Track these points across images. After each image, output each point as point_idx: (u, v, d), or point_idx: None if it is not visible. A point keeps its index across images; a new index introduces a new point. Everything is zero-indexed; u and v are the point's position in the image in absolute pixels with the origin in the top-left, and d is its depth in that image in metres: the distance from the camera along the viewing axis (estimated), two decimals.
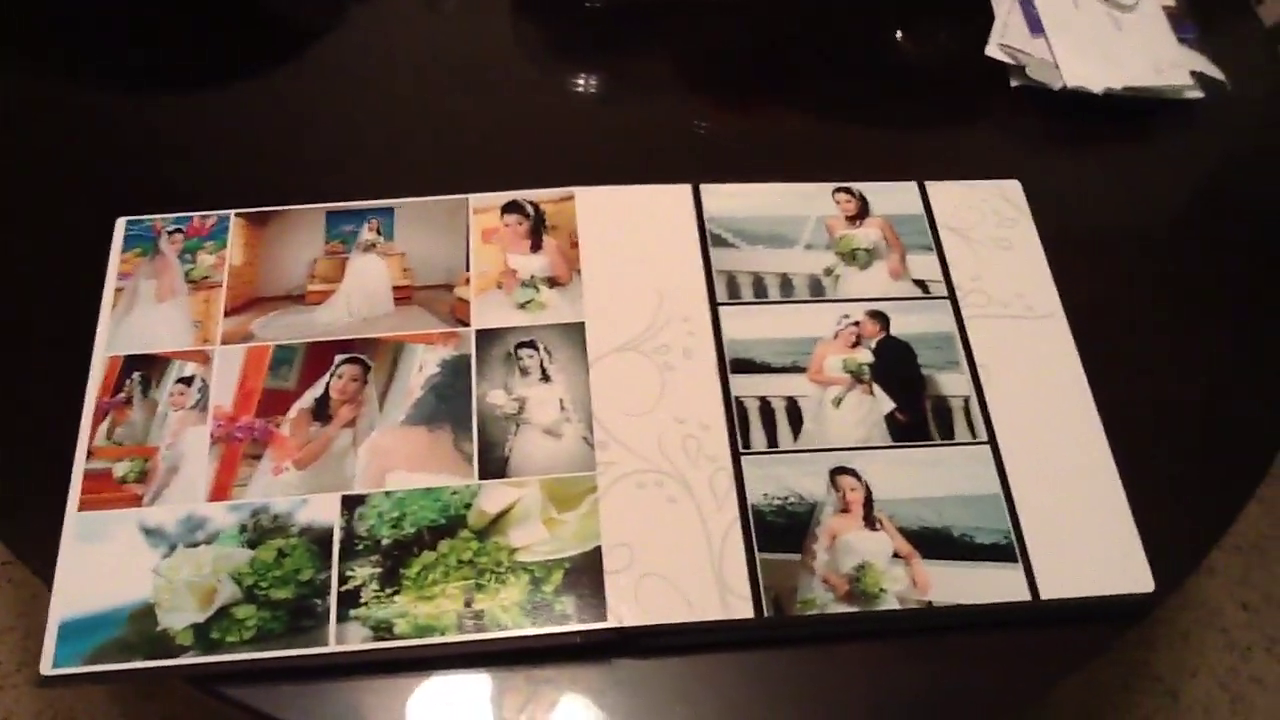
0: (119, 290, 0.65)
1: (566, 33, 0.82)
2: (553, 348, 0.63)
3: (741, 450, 0.60)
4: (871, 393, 0.63)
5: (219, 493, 0.58)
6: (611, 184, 0.70)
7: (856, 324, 0.66)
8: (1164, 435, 0.65)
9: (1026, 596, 0.57)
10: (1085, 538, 0.59)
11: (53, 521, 0.57)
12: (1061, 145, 0.77)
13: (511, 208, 0.68)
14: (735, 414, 0.62)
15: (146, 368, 0.62)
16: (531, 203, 0.69)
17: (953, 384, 0.64)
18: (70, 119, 0.74)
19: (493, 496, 0.58)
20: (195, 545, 0.56)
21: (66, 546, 0.56)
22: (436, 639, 0.54)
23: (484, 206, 0.69)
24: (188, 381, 0.61)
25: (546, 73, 0.79)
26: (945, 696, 0.56)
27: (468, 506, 0.58)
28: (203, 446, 0.59)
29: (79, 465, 0.59)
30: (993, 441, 0.62)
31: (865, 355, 0.65)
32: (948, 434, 0.62)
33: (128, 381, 0.61)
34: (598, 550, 0.57)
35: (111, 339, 0.63)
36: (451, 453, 0.59)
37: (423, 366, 0.62)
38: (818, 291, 0.67)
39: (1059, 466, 0.61)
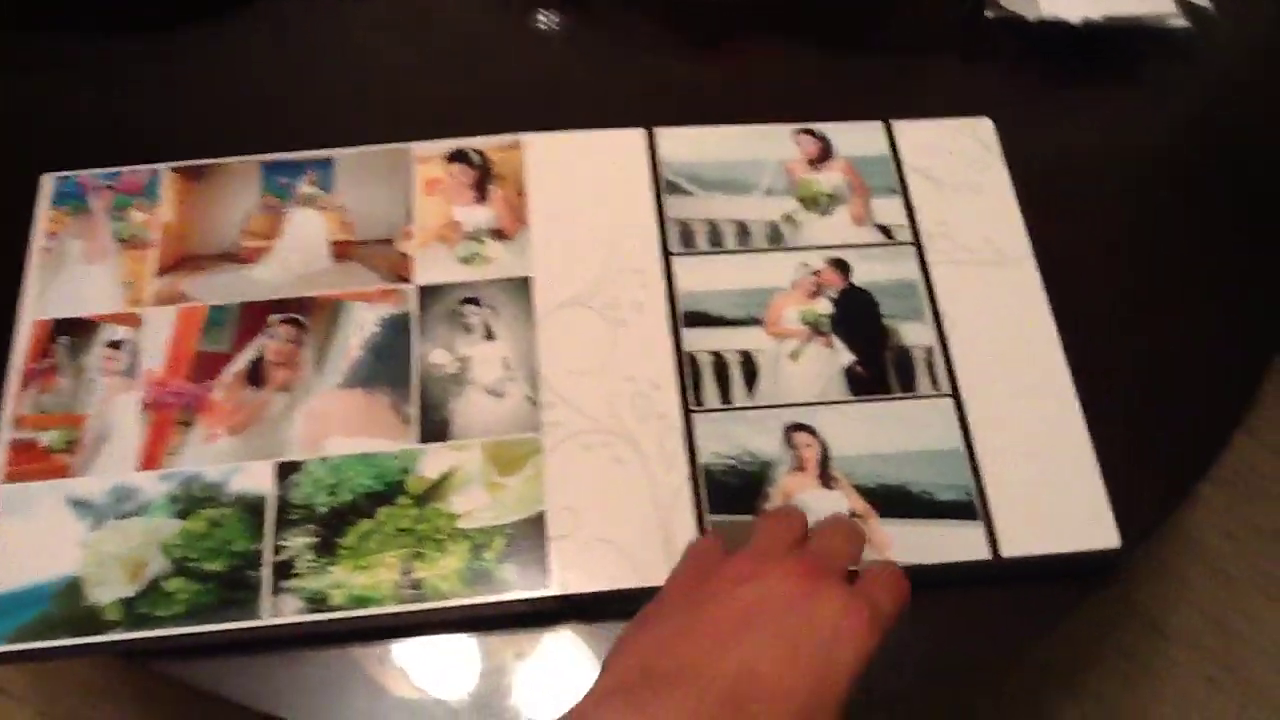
0: (45, 250, 0.62)
1: None
2: (498, 304, 0.61)
3: (693, 407, 0.58)
4: (830, 345, 0.61)
5: (150, 462, 0.56)
6: (562, 130, 0.67)
7: (816, 273, 0.63)
8: (1134, 387, 0.62)
9: (987, 555, 0.55)
10: (1050, 493, 0.57)
11: None
12: (1037, 80, 0.74)
13: (456, 157, 0.66)
14: (687, 370, 0.59)
15: (74, 331, 0.60)
16: (477, 151, 0.66)
17: (915, 334, 0.62)
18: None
19: (433, 461, 0.56)
20: (125, 517, 0.54)
21: None
22: (374, 610, 0.52)
23: (427, 156, 0.66)
24: (117, 345, 0.59)
25: (494, 12, 0.75)
26: (908, 657, 0.54)
27: (406, 472, 0.56)
28: (133, 414, 0.57)
29: (4, 435, 0.57)
30: (955, 394, 0.60)
31: (825, 306, 0.62)
32: (909, 387, 0.60)
33: (55, 346, 0.59)
34: (541, 515, 0.55)
35: (37, 302, 0.60)
36: (390, 416, 0.57)
37: (362, 326, 0.60)
38: (776, 239, 0.64)
39: (1024, 420, 0.59)
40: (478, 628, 0.54)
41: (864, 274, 0.63)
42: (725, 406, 0.59)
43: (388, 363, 0.59)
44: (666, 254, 0.63)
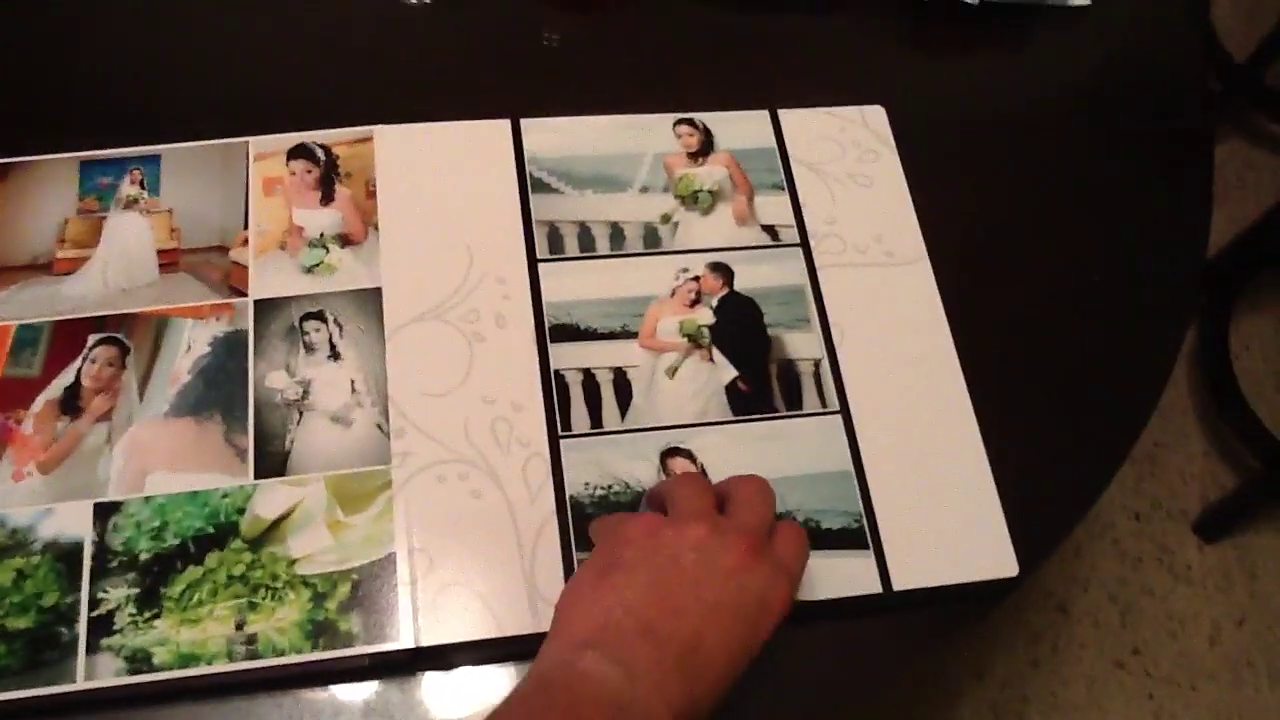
0: None
1: None
2: (344, 319, 0.56)
3: (561, 433, 0.54)
4: (711, 359, 0.58)
5: None
6: (418, 121, 0.62)
7: (696, 279, 0.60)
8: (1033, 401, 0.60)
9: (877, 589, 0.53)
10: (946, 519, 0.55)
11: None
12: (930, 63, 0.71)
13: (298, 152, 0.60)
14: (554, 390, 0.55)
15: None
16: (322, 146, 0.61)
17: (802, 345, 0.58)
18: None
19: (269, 499, 0.51)
20: None
21: None
22: (202, 669, 0.48)
23: (266, 152, 0.60)
24: None
25: None
26: (792, 687, 0.51)
27: (240, 512, 0.51)
28: None
29: None
30: (845, 410, 0.57)
31: (705, 316, 0.59)
32: (795, 404, 0.57)
33: None
34: (391, 557, 0.51)
35: None
36: (222, 448, 0.52)
37: (191, 345, 0.55)
38: (653, 242, 0.60)
39: (920, 439, 0.56)
40: (321, 683, 0.50)
41: (747, 279, 0.60)
42: (595, 431, 0.55)
43: (220, 388, 0.54)
44: (533, 261, 0.59)
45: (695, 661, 0.44)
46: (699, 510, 0.48)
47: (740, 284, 0.60)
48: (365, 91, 0.65)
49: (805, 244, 0.61)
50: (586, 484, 0.53)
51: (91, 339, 0.55)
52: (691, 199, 0.62)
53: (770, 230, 0.62)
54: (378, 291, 0.57)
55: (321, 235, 0.58)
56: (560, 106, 0.63)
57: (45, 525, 0.50)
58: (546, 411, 0.55)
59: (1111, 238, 0.66)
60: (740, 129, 0.64)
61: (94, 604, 0.49)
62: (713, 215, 0.62)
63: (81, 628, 0.48)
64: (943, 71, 0.71)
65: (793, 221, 0.62)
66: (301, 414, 0.54)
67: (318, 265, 0.57)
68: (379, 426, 0.54)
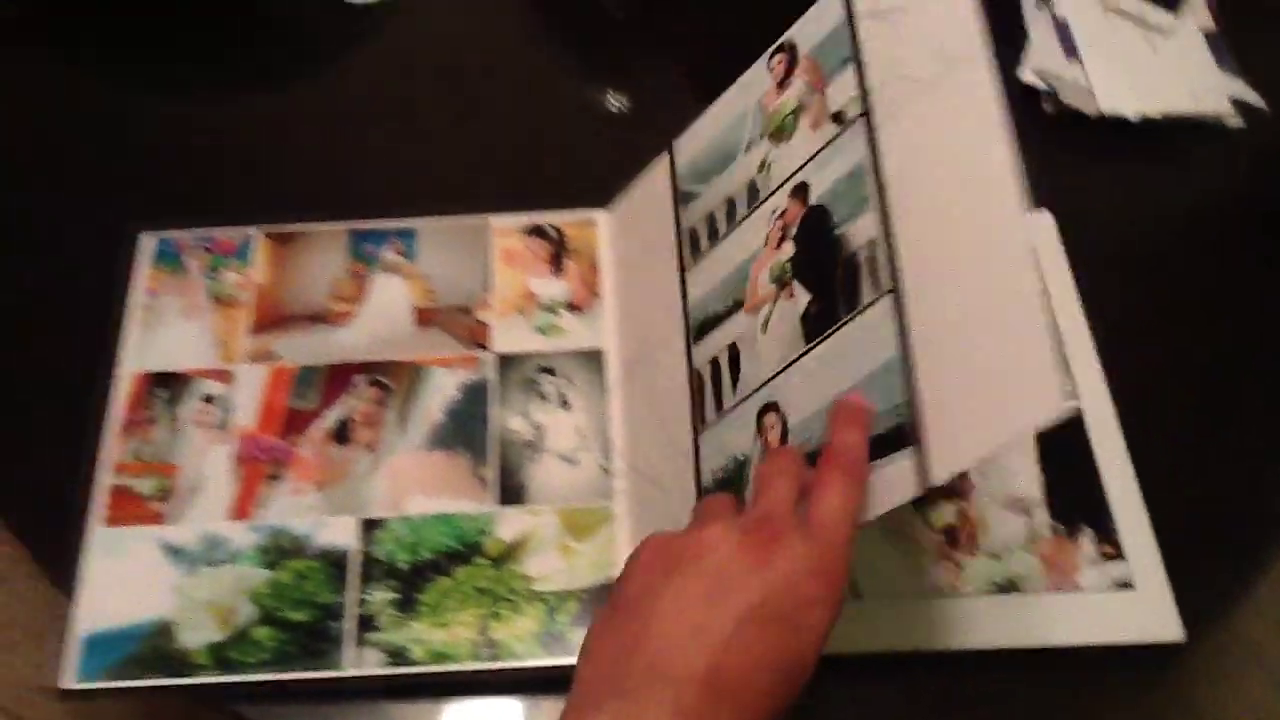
0: (144, 306, 0.67)
1: (590, 49, 0.84)
2: (572, 374, 0.65)
3: (697, 431, 0.60)
4: (792, 295, 0.55)
5: (239, 512, 0.61)
6: None
7: (781, 214, 0.56)
8: (1197, 474, 0.66)
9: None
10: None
11: (76, 536, 0.60)
12: (1095, 171, 0.79)
13: (534, 231, 0.71)
14: (694, 391, 0.61)
15: (170, 385, 0.65)
16: (554, 226, 0.71)
17: (861, 230, 0.52)
18: (92, 128, 0.77)
19: (509, 524, 0.61)
20: (215, 564, 0.59)
21: (90, 561, 0.59)
22: (452, 666, 0.57)
23: (506, 229, 0.71)
24: (210, 400, 0.64)
25: (570, 90, 0.81)
26: None
27: (484, 533, 0.60)
28: (224, 466, 0.62)
29: (103, 480, 0.62)
30: (897, 289, 0.49)
31: (788, 250, 0.56)
32: (853, 303, 0.51)
33: (152, 398, 0.64)
34: (612, 581, 0.59)
35: (136, 355, 0.66)
36: (469, 478, 0.62)
37: (442, 390, 0.65)
38: (754, 197, 0.59)
39: (984, 307, 0.45)
40: (551, 690, 0.58)
41: (821, 186, 0.55)
42: (720, 413, 0.59)
43: (467, 427, 0.64)
44: (681, 273, 0.64)
45: (721, 692, 0.40)
46: (713, 512, 0.46)
47: (815, 195, 0.55)
48: (588, 178, 0.75)
49: (865, 101, 0.54)
50: (713, 470, 0.58)
51: (359, 380, 0.65)
52: (779, 131, 0.59)
53: (838, 117, 0.55)
54: (600, 353, 0.66)
55: (552, 301, 0.68)
56: None
57: (320, 534, 0.60)
58: (691, 413, 0.60)
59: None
60: (815, 24, 0.59)
61: (360, 604, 0.58)
62: (794, 137, 0.58)
63: (349, 624, 0.58)
64: (1105, 177, 0.78)
65: (856, 90, 0.55)
66: (536, 453, 0.63)
67: (549, 327, 0.67)
68: (602, 467, 0.63)
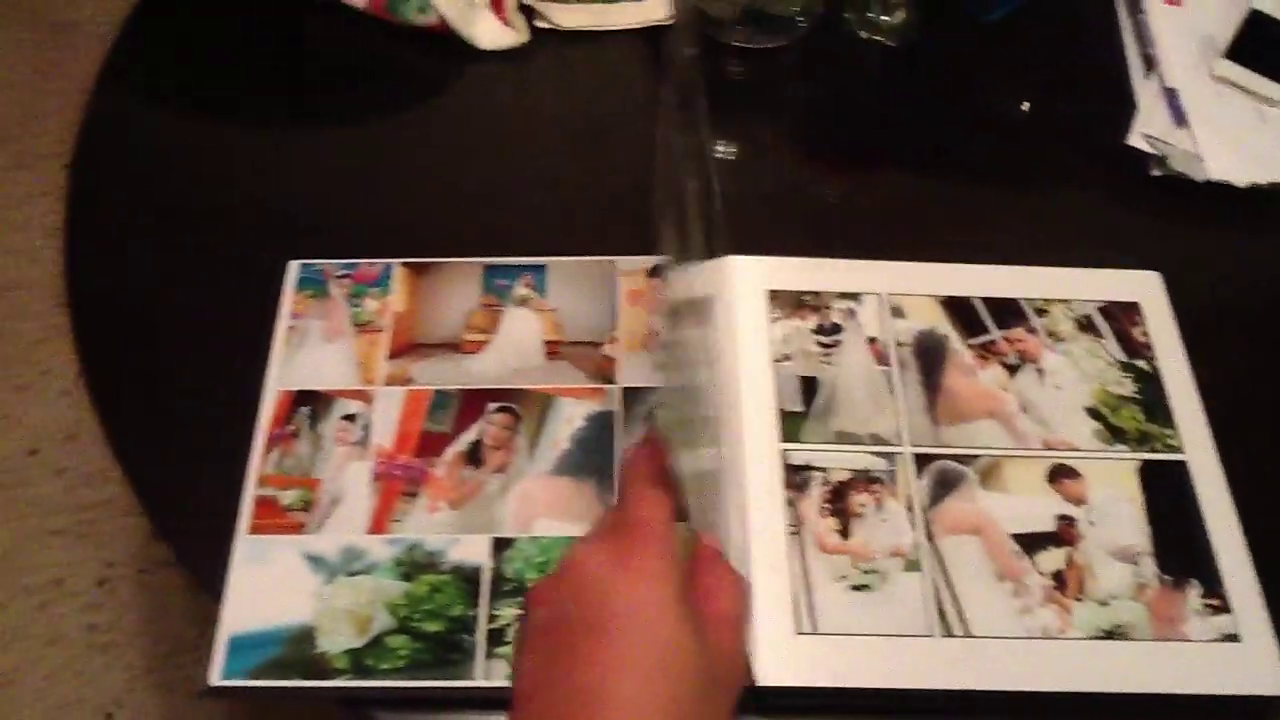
0: (290, 328, 0.72)
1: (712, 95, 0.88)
2: None
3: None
4: None
5: (377, 526, 0.64)
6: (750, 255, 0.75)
7: None
8: None
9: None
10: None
11: (223, 543, 0.64)
12: (1203, 235, 0.81)
13: (656, 272, 0.74)
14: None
15: (314, 403, 0.69)
16: None
17: None
18: (243, 163, 0.83)
19: None
20: (354, 574, 0.63)
21: (236, 567, 0.63)
22: None
23: (631, 269, 0.75)
24: (351, 419, 0.68)
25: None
26: None
27: None
28: (363, 481, 0.66)
29: (249, 491, 0.66)
30: None
31: None
32: None
33: (296, 415, 0.68)
34: None
35: (282, 374, 0.70)
36: (595, 504, 0.65)
37: (570, 420, 0.68)
38: None
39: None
40: None
41: None
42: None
43: (593, 455, 0.67)
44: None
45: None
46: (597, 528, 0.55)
47: None
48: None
49: None
50: None
51: (490, 406, 0.69)
52: None
53: None
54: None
55: None
56: (855, 251, 0.76)
57: (453, 551, 0.64)
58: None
59: None
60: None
61: (491, 618, 0.61)
62: None
63: (480, 636, 0.61)
64: (1214, 244, 0.81)
65: None
66: None
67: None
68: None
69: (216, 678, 0.60)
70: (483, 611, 0.62)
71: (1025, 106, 0.89)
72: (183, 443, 0.69)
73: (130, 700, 1.34)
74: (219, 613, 0.62)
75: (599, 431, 0.68)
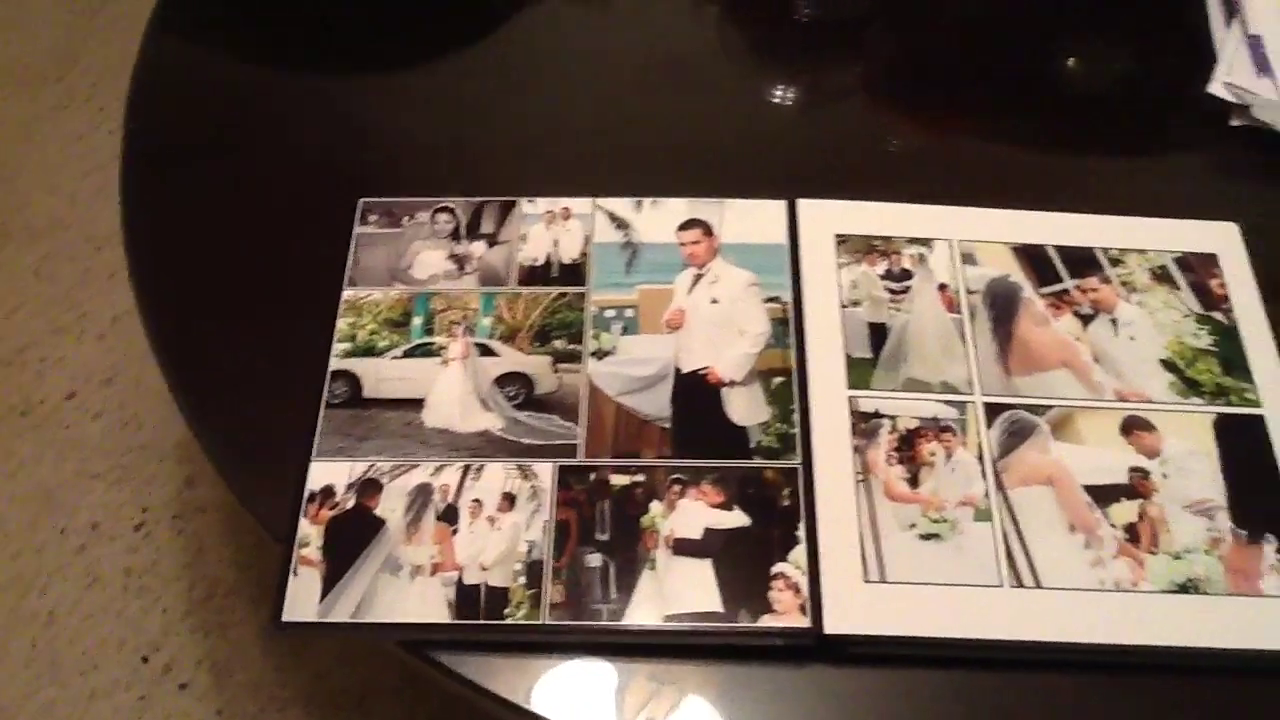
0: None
1: (773, 41, 0.89)
2: None
3: None
4: None
5: None
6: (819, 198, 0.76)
7: None
8: None
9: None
10: None
11: (286, 487, 0.65)
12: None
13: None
14: None
15: None
16: None
17: None
18: (305, 103, 0.85)
19: None
20: None
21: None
22: None
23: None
24: None
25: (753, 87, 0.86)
26: None
27: None
28: None
29: (320, 429, 0.67)
30: None
31: None
32: None
33: None
34: None
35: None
36: None
37: None
38: None
39: None
40: None
41: None
42: None
43: None
44: None
45: None
46: None
47: None
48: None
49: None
50: None
51: None
52: None
53: None
54: None
55: None
56: (921, 197, 0.76)
57: None
58: None
59: None
60: None
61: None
62: None
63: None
64: None
65: None
66: None
67: None
68: None
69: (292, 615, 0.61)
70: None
71: (1117, 62, 0.89)
72: (248, 385, 0.71)
73: (167, 643, 1.37)
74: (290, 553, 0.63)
75: None
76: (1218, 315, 0.72)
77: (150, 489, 1.50)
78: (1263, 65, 0.83)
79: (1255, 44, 0.84)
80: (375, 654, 1.34)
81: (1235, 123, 0.83)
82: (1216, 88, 0.83)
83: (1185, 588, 0.62)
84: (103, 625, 1.39)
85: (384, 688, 1.32)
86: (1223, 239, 0.75)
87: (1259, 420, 0.68)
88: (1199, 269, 0.74)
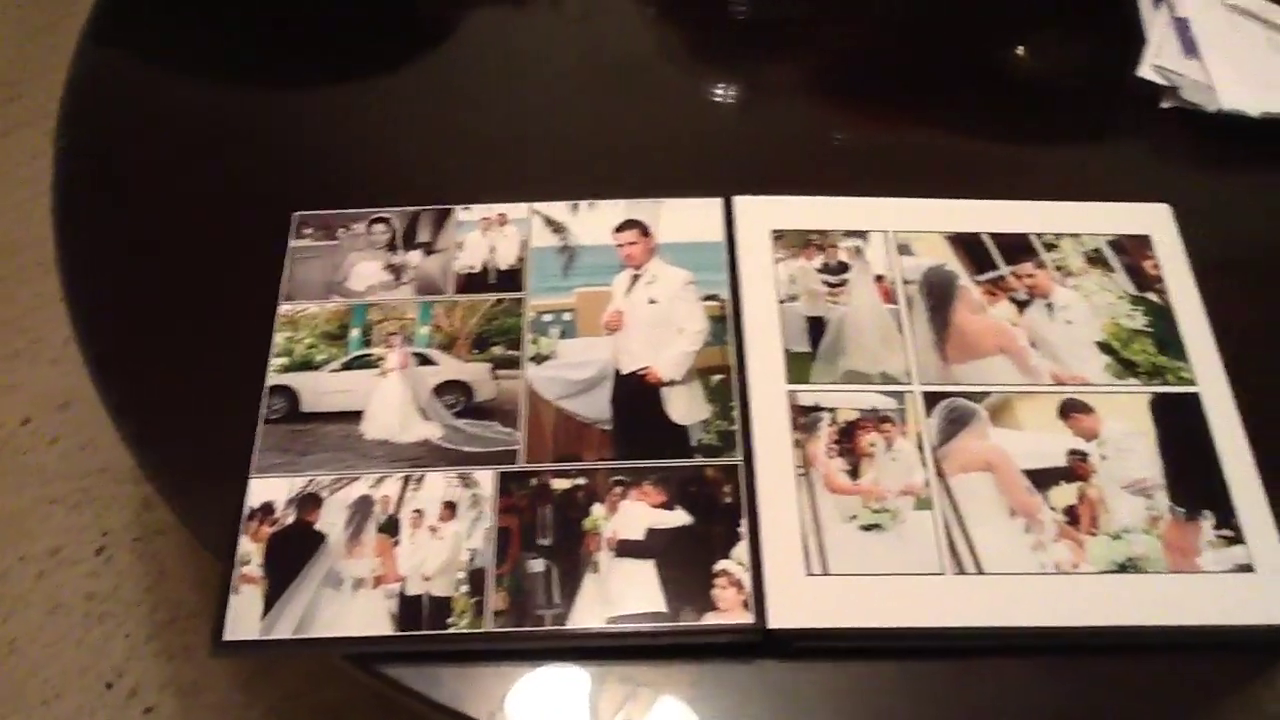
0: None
1: (709, 39, 0.89)
2: None
3: None
4: None
5: None
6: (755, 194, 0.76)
7: None
8: None
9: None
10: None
11: (226, 505, 0.65)
12: (1215, 166, 0.81)
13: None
14: None
15: None
16: None
17: None
18: (240, 118, 0.84)
19: None
20: None
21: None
22: None
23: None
24: None
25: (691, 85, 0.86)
26: None
27: None
28: None
29: (259, 445, 0.67)
30: None
31: None
32: None
33: None
34: None
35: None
36: None
37: None
38: None
39: None
40: None
41: None
42: None
43: None
44: None
45: None
46: None
47: None
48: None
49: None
50: None
51: None
52: None
53: None
54: None
55: None
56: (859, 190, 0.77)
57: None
58: None
59: None
60: None
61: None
62: None
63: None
64: (1225, 174, 0.81)
65: None
66: None
67: None
68: None
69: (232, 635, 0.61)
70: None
71: (1047, 50, 0.89)
72: (190, 398, 0.70)
73: (131, 668, 1.35)
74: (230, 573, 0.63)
75: None
76: (1152, 296, 0.73)
77: (110, 512, 1.49)
78: (1190, 47, 0.83)
79: (1183, 26, 0.85)
80: (346, 671, 1.33)
81: (1165, 105, 0.84)
82: (1146, 71, 0.83)
83: (1125, 567, 0.63)
84: (65, 653, 1.38)
85: (356, 705, 1.31)
86: (1155, 220, 0.76)
87: (1194, 398, 0.69)
88: (1132, 251, 0.74)
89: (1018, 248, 0.74)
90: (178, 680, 1.35)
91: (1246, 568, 0.63)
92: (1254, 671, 0.62)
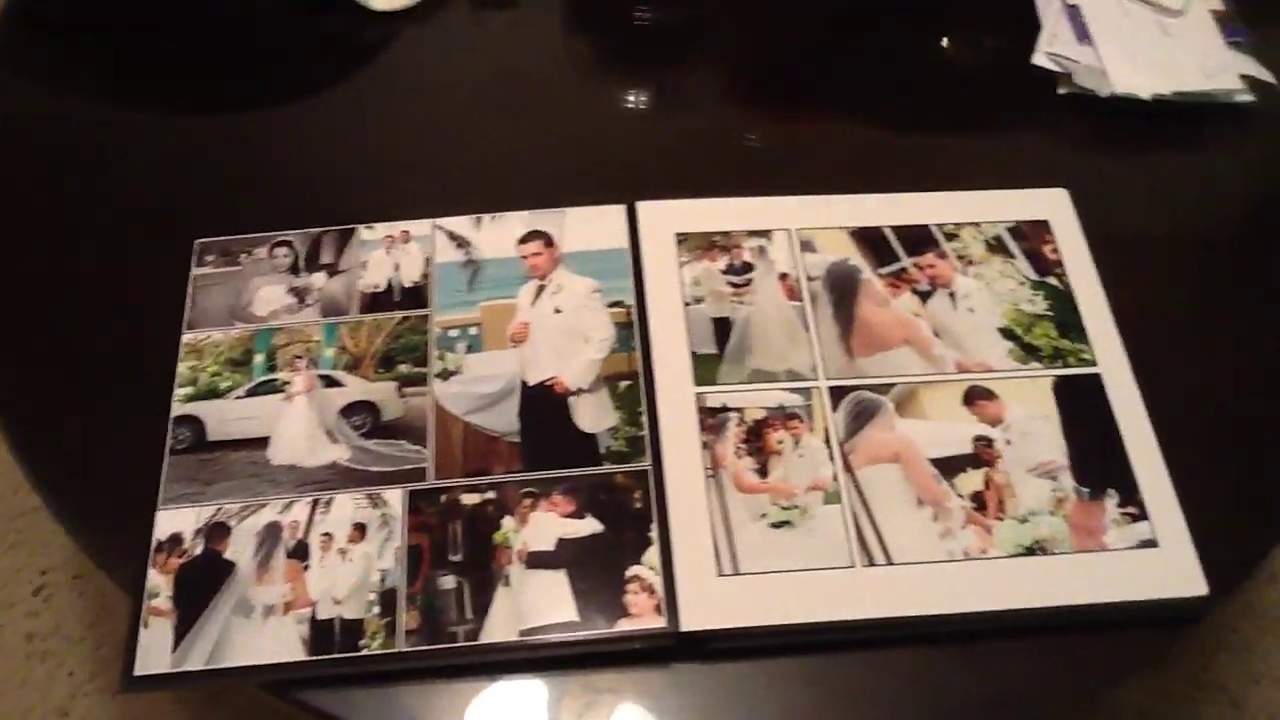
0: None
1: (617, 48, 0.89)
2: None
3: None
4: None
5: None
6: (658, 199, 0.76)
7: None
8: (1224, 448, 0.70)
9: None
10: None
11: (135, 538, 0.64)
12: (1110, 150, 0.83)
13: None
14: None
15: None
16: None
17: None
18: (143, 145, 0.83)
19: None
20: None
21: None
22: None
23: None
24: None
25: (599, 91, 0.86)
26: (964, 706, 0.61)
27: None
28: None
29: (165, 476, 0.66)
30: None
31: None
32: None
33: None
34: None
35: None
36: None
37: None
38: None
39: None
40: None
41: None
42: None
43: None
44: None
45: None
46: None
47: None
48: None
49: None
50: None
51: None
52: None
53: None
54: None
55: None
56: (771, 188, 0.77)
57: None
58: None
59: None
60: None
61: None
62: None
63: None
64: (1121, 156, 0.82)
65: None
66: None
67: None
68: None
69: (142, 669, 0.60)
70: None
71: (945, 42, 0.90)
72: (92, 428, 0.69)
73: (75, 706, 1.34)
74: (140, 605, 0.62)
75: None
76: (1052, 280, 0.73)
77: (48, 551, 1.47)
78: (1083, 33, 0.85)
79: (1074, 13, 0.86)
80: None
81: (1061, 91, 0.85)
82: (1040, 58, 0.85)
83: (1032, 550, 0.63)
84: (7, 695, 1.36)
85: None
86: (1053, 205, 0.77)
87: (1096, 379, 0.70)
88: (1032, 236, 0.75)
89: (919, 239, 0.75)
90: (124, 716, 1.33)
91: (1150, 543, 0.64)
92: (1162, 644, 0.63)
